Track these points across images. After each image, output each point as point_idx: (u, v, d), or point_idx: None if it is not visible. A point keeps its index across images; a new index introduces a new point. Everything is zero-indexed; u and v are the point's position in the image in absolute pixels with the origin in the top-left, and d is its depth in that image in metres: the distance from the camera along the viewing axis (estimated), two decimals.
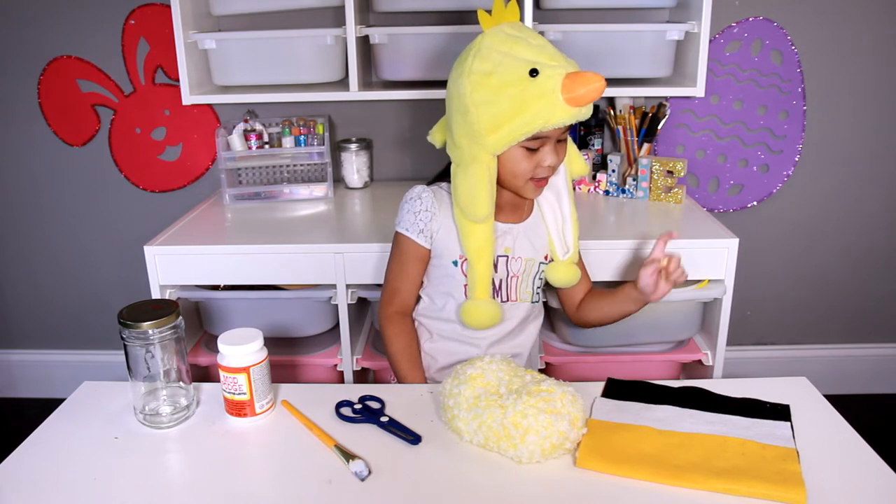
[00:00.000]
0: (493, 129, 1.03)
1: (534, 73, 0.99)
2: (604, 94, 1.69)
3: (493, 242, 1.11)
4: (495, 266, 1.14)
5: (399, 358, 1.18)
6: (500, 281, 1.17)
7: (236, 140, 1.71)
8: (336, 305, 1.49)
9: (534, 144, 1.05)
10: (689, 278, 1.44)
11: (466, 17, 1.75)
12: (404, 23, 1.73)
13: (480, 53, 1.03)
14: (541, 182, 1.11)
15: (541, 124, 1.01)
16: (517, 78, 1.00)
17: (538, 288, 1.21)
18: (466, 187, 1.06)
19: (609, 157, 1.71)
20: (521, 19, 1.59)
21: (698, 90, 1.65)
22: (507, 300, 1.18)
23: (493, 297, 1.15)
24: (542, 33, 1.63)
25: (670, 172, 1.64)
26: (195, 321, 1.62)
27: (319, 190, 1.76)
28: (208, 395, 1.00)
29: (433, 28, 1.62)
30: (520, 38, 1.03)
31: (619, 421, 0.90)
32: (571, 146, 1.15)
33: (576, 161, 1.17)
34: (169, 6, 1.63)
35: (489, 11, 1.07)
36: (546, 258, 1.19)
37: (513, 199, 1.15)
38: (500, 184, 1.10)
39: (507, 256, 1.16)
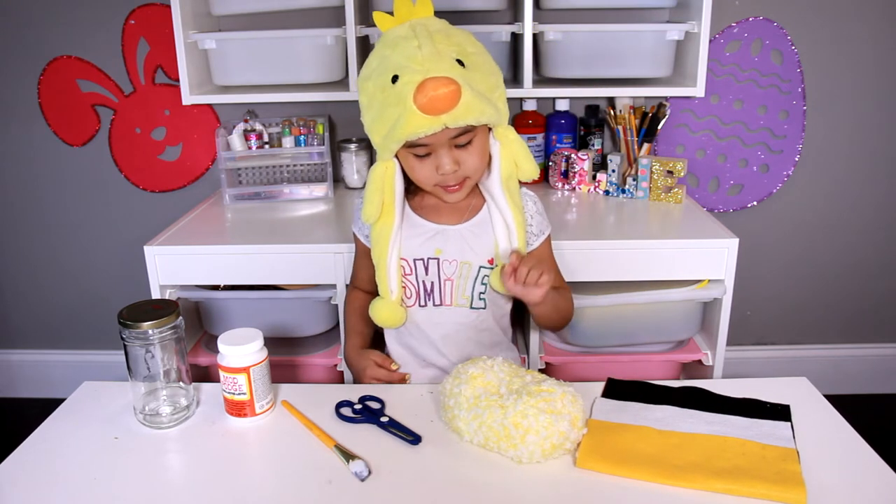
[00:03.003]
0: (374, 134, 1.02)
1: (395, 79, 0.95)
2: (603, 95, 1.73)
3: (388, 244, 1.08)
4: (426, 268, 1.11)
5: (345, 327, 1.27)
6: (432, 283, 1.12)
7: (236, 140, 1.71)
8: (336, 305, 1.49)
9: (419, 151, 1.01)
10: (688, 278, 1.45)
11: (466, 17, 1.76)
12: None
13: (369, 56, 1.02)
14: (450, 188, 1.05)
15: (406, 133, 0.96)
16: (383, 84, 0.97)
17: (481, 294, 1.13)
18: (366, 188, 1.07)
19: (609, 157, 1.71)
20: (521, 20, 1.61)
21: (698, 90, 1.65)
22: (441, 304, 1.13)
23: (426, 301, 1.13)
24: (541, 33, 1.64)
25: (670, 172, 1.64)
26: (195, 321, 1.62)
27: (319, 190, 1.76)
28: (208, 395, 1.00)
29: None
30: (406, 38, 0.97)
31: (619, 421, 0.90)
32: (520, 146, 1.06)
33: (523, 162, 1.06)
34: (169, 6, 1.63)
35: (391, 12, 1.02)
36: (491, 262, 1.12)
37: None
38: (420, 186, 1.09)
39: (438, 258, 1.11)
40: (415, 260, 1.12)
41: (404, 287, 1.13)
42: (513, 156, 1.06)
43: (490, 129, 1.05)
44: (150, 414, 0.94)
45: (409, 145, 1.00)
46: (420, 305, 1.14)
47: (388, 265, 1.10)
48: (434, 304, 1.13)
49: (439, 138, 0.99)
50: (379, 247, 1.10)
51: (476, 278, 1.12)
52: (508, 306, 1.21)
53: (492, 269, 1.11)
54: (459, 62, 0.96)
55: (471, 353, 1.15)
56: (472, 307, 1.13)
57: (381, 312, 1.12)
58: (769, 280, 2.04)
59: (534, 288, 1.02)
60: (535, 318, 1.18)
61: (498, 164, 1.06)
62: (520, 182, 1.10)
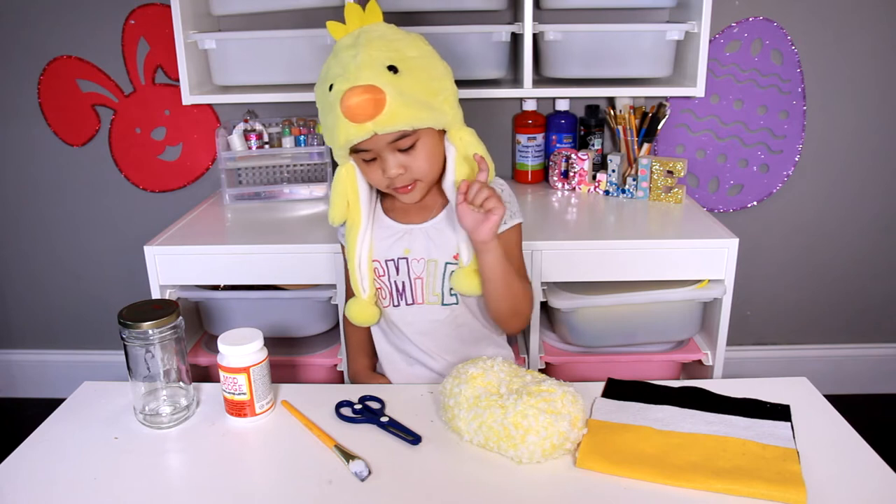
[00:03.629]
0: (325, 139, 1.07)
1: (331, 87, 0.98)
2: (603, 95, 1.73)
3: (356, 245, 1.11)
4: (396, 268, 1.13)
5: (348, 343, 1.30)
6: (403, 283, 1.13)
7: (236, 140, 1.71)
8: (336, 305, 1.49)
9: (365, 156, 1.03)
10: (688, 278, 1.45)
11: (466, 17, 1.76)
12: (404, 23, 1.73)
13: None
14: (400, 189, 1.06)
15: (341, 140, 0.99)
16: (323, 92, 1.01)
17: (451, 290, 1.13)
18: (330, 192, 1.11)
19: (609, 157, 1.71)
20: (521, 20, 1.61)
21: (698, 90, 1.65)
22: (414, 303, 1.14)
23: (399, 300, 1.14)
24: (541, 33, 1.64)
25: (670, 172, 1.64)
26: (195, 321, 1.62)
27: (319, 190, 1.76)
28: (208, 395, 1.00)
29: (433, 28, 1.62)
30: (347, 47, 0.99)
31: (619, 421, 0.90)
32: (476, 147, 1.05)
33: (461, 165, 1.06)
34: (169, 6, 1.63)
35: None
36: (456, 258, 1.11)
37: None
38: None
39: (407, 258, 1.12)
40: (386, 261, 1.13)
41: (379, 288, 1.15)
42: (467, 157, 1.06)
43: (444, 131, 1.06)
44: (150, 414, 0.94)
45: (354, 150, 1.02)
46: (394, 305, 1.15)
47: (356, 265, 1.12)
48: (407, 304, 1.14)
49: (377, 144, 1.00)
50: (348, 247, 1.13)
51: (444, 275, 1.13)
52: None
53: (456, 264, 1.12)
54: (392, 68, 0.97)
55: (453, 349, 1.16)
56: (443, 304, 1.13)
57: (352, 311, 1.15)
58: (769, 280, 2.04)
59: (484, 222, 0.99)
60: (485, 286, 1.09)
61: (452, 166, 1.07)
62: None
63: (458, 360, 1.06)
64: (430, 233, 1.12)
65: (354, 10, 1.03)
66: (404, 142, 1.01)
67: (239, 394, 0.91)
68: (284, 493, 0.80)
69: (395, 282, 1.13)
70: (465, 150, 1.06)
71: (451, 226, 1.11)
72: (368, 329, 1.23)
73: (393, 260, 1.13)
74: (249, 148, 1.73)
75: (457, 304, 1.14)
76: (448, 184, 1.08)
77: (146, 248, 1.45)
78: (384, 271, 1.13)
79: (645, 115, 1.71)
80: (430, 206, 1.13)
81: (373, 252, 1.13)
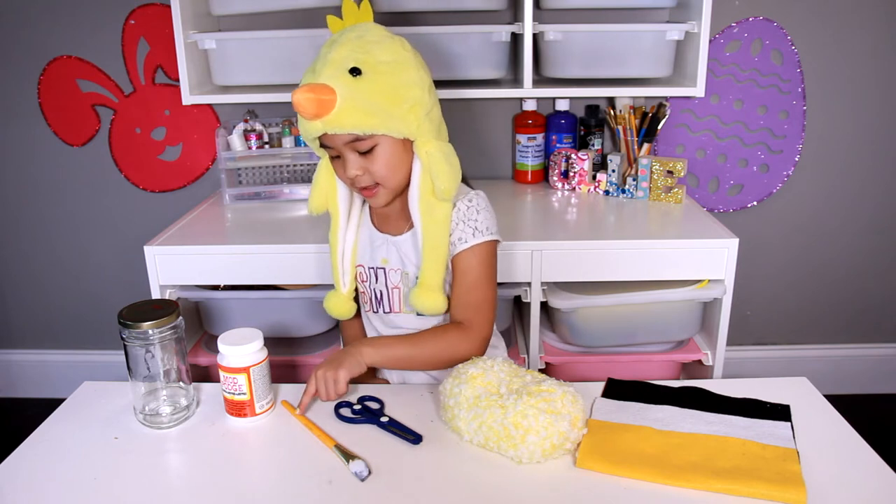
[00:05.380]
0: None
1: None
2: (603, 95, 1.73)
3: (336, 238, 1.13)
4: (376, 277, 1.14)
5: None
6: (381, 292, 1.14)
7: (236, 140, 1.71)
8: None
9: (330, 152, 1.05)
10: (688, 278, 1.45)
11: (466, 17, 1.76)
12: (404, 23, 1.73)
13: None
14: (363, 191, 1.06)
15: (302, 133, 1.03)
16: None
17: None
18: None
19: (609, 157, 1.71)
20: (521, 20, 1.61)
21: (698, 90, 1.65)
22: (391, 311, 1.14)
23: (377, 307, 1.15)
24: (541, 33, 1.64)
25: (670, 172, 1.64)
26: (195, 321, 1.62)
27: None
28: (208, 395, 1.00)
29: (433, 28, 1.62)
30: (329, 43, 1.01)
31: (619, 421, 0.90)
32: (438, 161, 1.02)
33: (437, 179, 1.02)
34: (169, 6, 1.62)
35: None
36: None
37: (385, 210, 1.12)
38: None
39: (385, 268, 1.12)
40: (368, 268, 1.15)
41: (363, 292, 1.17)
42: (431, 172, 1.03)
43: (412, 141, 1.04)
44: (150, 414, 0.94)
45: (322, 146, 1.04)
46: (374, 311, 1.17)
47: (339, 259, 1.14)
48: (384, 311, 1.15)
49: (335, 142, 1.01)
50: (330, 239, 1.15)
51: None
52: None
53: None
54: (355, 70, 0.96)
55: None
56: (417, 314, 1.12)
57: (329, 303, 1.16)
58: (769, 280, 2.04)
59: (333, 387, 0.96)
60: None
61: (416, 181, 1.04)
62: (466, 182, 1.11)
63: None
64: (403, 245, 1.11)
65: (350, 7, 1.05)
66: (361, 144, 1.00)
67: (239, 394, 0.91)
68: (284, 493, 0.80)
69: (374, 289, 1.15)
70: (429, 165, 1.02)
71: (416, 243, 1.09)
72: (362, 328, 1.24)
73: (374, 268, 1.14)
74: (249, 148, 1.73)
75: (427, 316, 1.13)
76: (412, 198, 1.05)
77: (146, 248, 1.45)
78: (367, 277, 1.15)
79: (645, 115, 1.71)
80: (406, 218, 1.10)
81: (357, 255, 1.15)
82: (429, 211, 1.04)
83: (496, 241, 1.09)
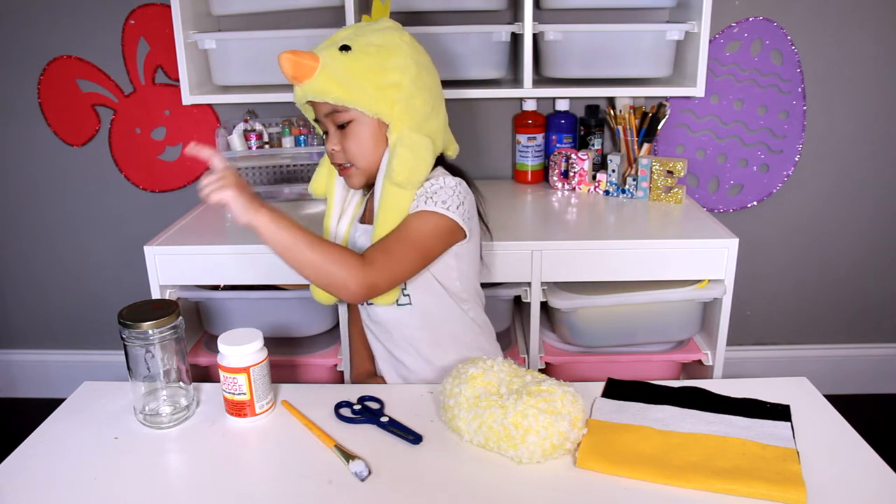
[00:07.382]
0: None
1: None
2: (603, 95, 1.73)
3: (329, 219, 1.17)
4: None
5: (350, 346, 1.35)
6: None
7: (236, 140, 1.71)
8: (336, 305, 1.49)
9: (322, 126, 1.10)
10: (688, 278, 1.45)
11: (466, 17, 1.76)
12: (404, 23, 1.73)
13: None
14: (341, 171, 1.12)
15: (296, 99, 1.07)
16: None
17: (403, 290, 1.11)
18: None
19: (609, 157, 1.71)
20: (521, 20, 1.61)
21: (698, 90, 1.65)
22: (373, 303, 1.14)
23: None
24: (541, 33, 1.64)
25: (670, 172, 1.64)
26: (195, 321, 1.62)
27: None
28: (208, 395, 1.00)
29: (433, 28, 1.62)
30: (345, 27, 1.09)
31: (619, 421, 0.90)
32: (402, 146, 1.03)
33: (393, 160, 1.03)
34: (169, 6, 1.63)
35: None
36: None
37: (372, 203, 1.13)
38: None
39: None
40: None
41: None
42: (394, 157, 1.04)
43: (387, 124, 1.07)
44: (150, 414, 0.94)
45: (316, 120, 1.10)
46: (360, 304, 1.19)
47: (329, 238, 1.16)
48: (367, 303, 1.16)
49: (319, 113, 1.07)
50: (324, 224, 1.18)
51: None
52: (447, 301, 1.14)
53: None
54: (346, 47, 1.02)
55: (423, 351, 1.15)
56: (398, 304, 1.12)
57: (314, 288, 1.16)
58: (769, 280, 2.04)
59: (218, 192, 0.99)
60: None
61: (384, 163, 1.08)
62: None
63: (435, 362, 1.12)
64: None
65: (377, 4, 1.13)
66: (338, 116, 1.06)
67: (239, 394, 0.91)
68: (284, 493, 0.80)
69: None
70: (392, 147, 1.05)
71: None
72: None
73: None
74: (249, 148, 1.73)
75: (410, 304, 1.13)
76: (377, 181, 1.08)
77: (146, 248, 1.45)
78: None
79: (645, 115, 1.71)
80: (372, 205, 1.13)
81: (347, 245, 1.17)
82: (388, 196, 1.05)
83: (449, 221, 1.05)
